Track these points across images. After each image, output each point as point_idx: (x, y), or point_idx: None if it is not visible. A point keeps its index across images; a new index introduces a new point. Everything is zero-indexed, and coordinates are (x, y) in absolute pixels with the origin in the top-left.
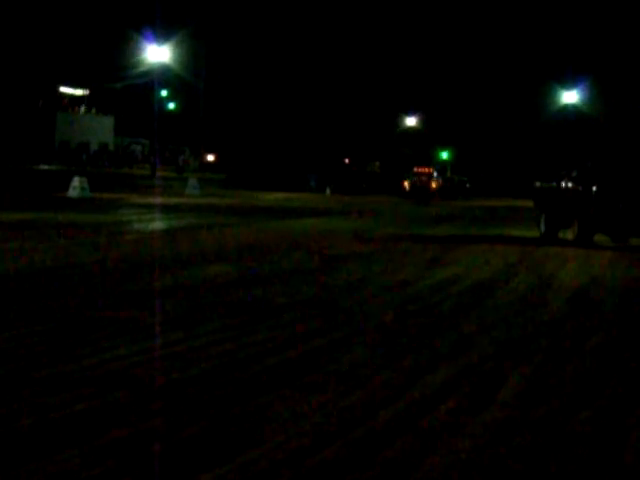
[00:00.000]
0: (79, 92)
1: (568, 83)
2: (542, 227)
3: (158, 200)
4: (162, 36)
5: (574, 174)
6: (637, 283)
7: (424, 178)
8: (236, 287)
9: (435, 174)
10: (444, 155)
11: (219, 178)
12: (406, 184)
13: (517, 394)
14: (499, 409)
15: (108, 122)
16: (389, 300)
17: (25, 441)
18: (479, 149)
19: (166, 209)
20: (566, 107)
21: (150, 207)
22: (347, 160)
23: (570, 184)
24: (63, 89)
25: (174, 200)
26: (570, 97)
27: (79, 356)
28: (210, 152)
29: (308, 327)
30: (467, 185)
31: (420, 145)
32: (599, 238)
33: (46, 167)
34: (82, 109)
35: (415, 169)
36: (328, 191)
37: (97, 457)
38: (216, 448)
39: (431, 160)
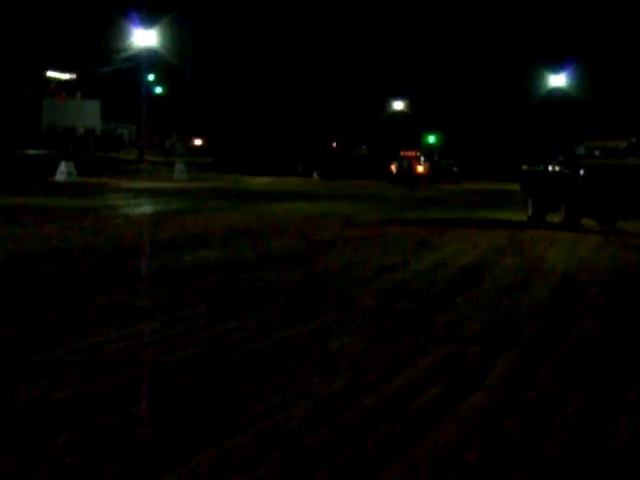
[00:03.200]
0: (66, 76)
1: (556, 66)
2: (529, 211)
3: (145, 184)
4: (149, 20)
5: (561, 158)
6: (624, 266)
7: (411, 162)
8: (224, 271)
9: (422, 158)
10: (431, 139)
11: (206, 162)
12: (393, 168)
13: (505, 378)
14: (486, 393)
15: (95, 106)
16: (377, 285)
17: (10, 427)
18: (467, 133)
19: (153, 193)
20: (554, 90)
21: (137, 191)
22: (334, 144)
23: (557, 167)
24: (50, 73)
25: (161, 184)
26: (558, 80)
27: (64, 341)
28: (197, 136)
29: (296, 312)
30: (454, 169)
31: (407, 129)
32: (586, 222)
33: (33, 152)
34: (69, 93)
35: (402, 153)
36: (315, 175)
37: (83, 443)
38: (204, 433)
39: (418, 144)
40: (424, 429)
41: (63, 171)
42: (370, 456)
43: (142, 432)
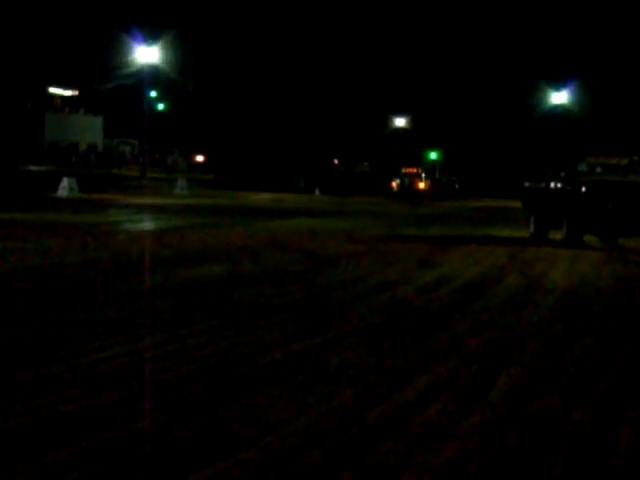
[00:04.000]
0: (68, 92)
1: (557, 83)
2: (531, 227)
3: (147, 201)
4: (151, 37)
5: (563, 175)
6: (626, 283)
7: (412, 178)
8: (225, 288)
9: (423, 175)
10: (433, 155)
11: (208, 179)
12: (394, 184)
13: (507, 395)
14: (489, 410)
15: (97, 122)
16: (379, 301)
17: (14, 442)
18: (468, 150)
19: (155, 210)
20: (556, 107)
21: (139, 208)
22: (336, 161)
23: (559, 184)
24: (52, 89)
25: (163, 201)
26: (559, 98)
27: (68, 356)
28: (199, 153)
29: (298, 327)
30: (456, 186)
31: (409, 146)
32: (588, 239)
33: (35, 168)
34: (71, 109)
35: (403, 170)
36: (317, 191)
37: (86, 458)
38: (205, 449)
39: (419, 161)
40: (426, 446)
41: (65, 187)
42: (372, 473)
43: (144, 448)
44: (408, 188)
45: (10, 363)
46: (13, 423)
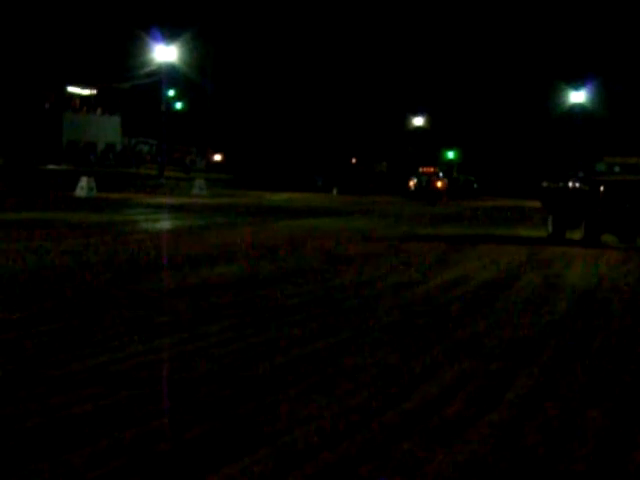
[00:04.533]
0: (86, 92)
1: (576, 83)
2: (550, 227)
3: (165, 200)
4: (169, 36)
5: (581, 174)
6: None
7: (429, 178)
8: (244, 287)
9: (440, 174)
10: (450, 155)
11: (226, 178)
12: (411, 184)
13: (525, 394)
14: (507, 409)
15: (115, 122)
16: (397, 300)
17: (32, 441)
18: (486, 149)
19: (173, 209)
20: (574, 107)
21: (157, 207)
22: (354, 160)
23: (577, 184)
24: (70, 89)
25: (181, 200)
26: (578, 97)
27: (86, 356)
28: (217, 152)
29: (316, 327)
30: (474, 185)
31: (427, 145)
32: (606, 238)
33: (54, 167)
34: (89, 109)
35: (420, 169)
36: (335, 191)
37: (104, 457)
38: (223, 448)
39: (437, 160)
40: (445, 445)
41: (84, 186)
42: (391, 470)
43: (163, 446)
44: (425, 187)
45: (30, 362)
46: (32, 422)
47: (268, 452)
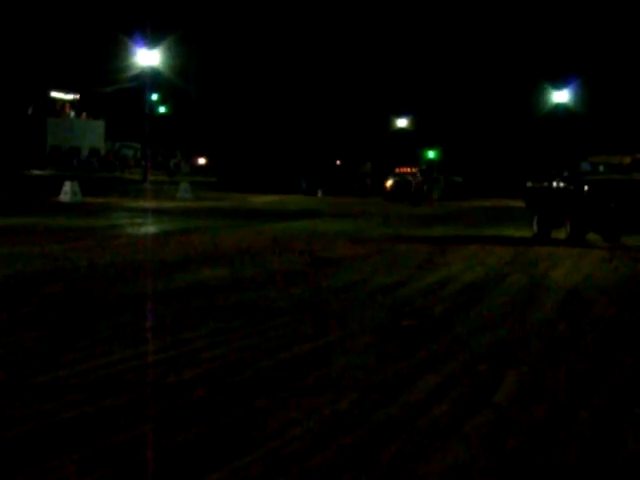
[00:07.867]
0: (69, 96)
1: (559, 82)
2: (535, 227)
3: (150, 204)
4: (152, 40)
5: (565, 174)
6: (629, 282)
7: (407, 178)
8: (229, 291)
9: (419, 174)
10: (431, 154)
11: (211, 181)
12: (388, 185)
13: (512, 396)
14: (494, 411)
15: (99, 126)
16: (382, 302)
17: (18, 448)
18: (470, 149)
19: (158, 213)
20: (557, 107)
21: (142, 211)
22: (339, 162)
23: (562, 184)
24: (53, 94)
25: (166, 204)
26: (561, 96)
27: (72, 362)
28: (201, 155)
29: (301, 330)
30: (460, 185)
31: (408, 145)
32: (591, 237)
33: (38, 172)
34: (72, 113)
35: (397, 169)
36: (320, 193)
37: (91, 464)
38: (210, 453)
39: (417, 159)
40: (432, 448)
41: (68, 191)
42: (378, 475)
43: (149, 453)
44: (403, 188)
45: (15, 369)
46: (18, 429)
47: (255, 457)
